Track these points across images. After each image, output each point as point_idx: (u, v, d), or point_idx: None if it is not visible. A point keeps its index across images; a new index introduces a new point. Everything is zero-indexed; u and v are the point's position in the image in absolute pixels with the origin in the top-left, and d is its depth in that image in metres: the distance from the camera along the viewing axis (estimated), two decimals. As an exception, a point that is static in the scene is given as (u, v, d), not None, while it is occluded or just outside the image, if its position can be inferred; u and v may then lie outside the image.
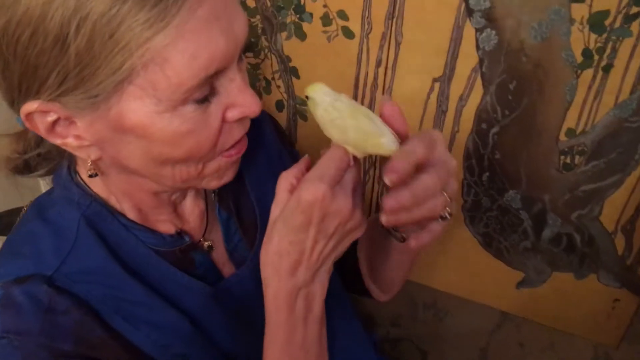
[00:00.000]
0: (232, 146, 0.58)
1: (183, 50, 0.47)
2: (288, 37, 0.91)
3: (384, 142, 0.58)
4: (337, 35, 0.87)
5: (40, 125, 0.52)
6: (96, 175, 0.58)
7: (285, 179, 0.58)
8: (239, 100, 0.54)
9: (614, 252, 0.90)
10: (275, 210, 0.58)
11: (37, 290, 0.56)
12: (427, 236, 0.60)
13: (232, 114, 0.55)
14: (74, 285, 0.57)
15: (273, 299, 0.58)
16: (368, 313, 1.30)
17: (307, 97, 0.58)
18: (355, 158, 0.58)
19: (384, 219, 0.54)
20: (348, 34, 0.86)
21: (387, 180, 0.51)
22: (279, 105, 1.01)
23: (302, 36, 0.90)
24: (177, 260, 0.64)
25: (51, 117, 0.51)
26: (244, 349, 0.67)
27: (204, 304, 0.65)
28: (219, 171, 0.60)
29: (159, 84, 0.48)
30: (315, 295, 0.59)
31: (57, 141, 0.53)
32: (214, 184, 0.61)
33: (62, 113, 0.50)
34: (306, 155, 0.61)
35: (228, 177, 0.62)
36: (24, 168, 0.62)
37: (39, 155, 0.61)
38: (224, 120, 0.55)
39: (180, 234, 0.65)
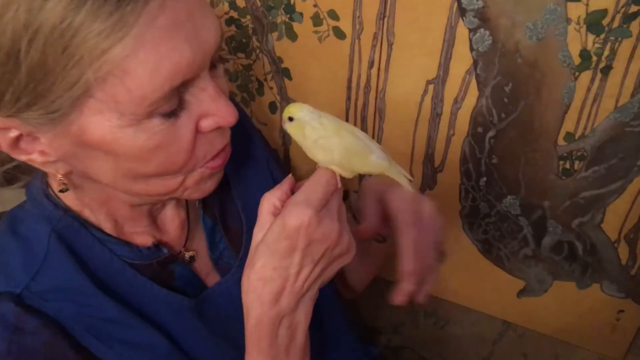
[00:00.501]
0: (216, 156, 0.56)
1: (144, 62, 0.44)
2: (279, 38, 0.89)
3: (373, 159, 0.56)
4: (328, 35, 0.85)
5: (3, 142, 0.50)
6: (67, 190, 0.56)
7: (268, 201, 0.56)
8: (212, 110, 0.52)
9: (617, 261, 0.86)
10: (258, 234, 0.55)
11: (4, 309, 0.54)
12: (429, 285, 0.66)
13: (206, 124, 0.52)
14: (44, 303, 0.55)
15: (255, 327, 0.55)
16: (369, 321, 1.27)
17: (290, 119, 0.56)
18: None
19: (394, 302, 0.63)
20: (339, 34, 0.84)
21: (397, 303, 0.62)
22: (272, 107, 0.99)
23: (293, 36, 0.87)
24: (155, 274, 0.62)
25: (13, 134, 0.49)
26: None
27: (183, 319, 0.63)
28: (202, 181, 0.57)
29: (120, 98, 0.45)
30: (299, 323, 0.57)
31: (22, 157, 0.51)
32: (196, 195, 0.59)
33: (23, 129, 0.48)
34: (289, 176, 0.58)
35: (210, 187, 0.59)
36: (2, 181, 0.60)
37: (12, 169, 0.60)
38: (198, 131, 0.52)
39: (158, 245, 0.63)
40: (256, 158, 0.75)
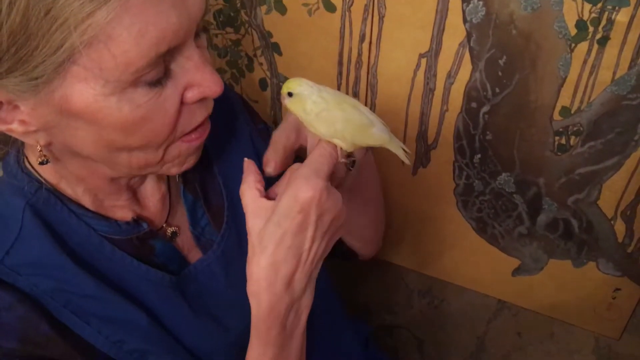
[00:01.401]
0: (194, 129, 0.55)
1: (129, 26, 0.43)
2: (268, 11, 0.86)
3: (375, 132, 0.57)
4: (317, 8, 0.82)
5: None
6: (47, 162, 0.54)
7: (250, 189, 0.55)
8: (198, 80, 0.51)
9: (614, 239, 0.85)
10: (256, 222, 0.54)
11: None
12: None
13: (191, 95, 0.51)
14: (19, 278, 0.54)
15: (266, 317, 0.54)
16: (363, 301, 1.26)
17: (289, 94, 0.55)
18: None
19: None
20: (329, 6, 0.81)
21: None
22: (262, 84, 0.96)
23: (282, 10, 0.85)
24: (135, 249, 0.60)
25: None
26: (210, 341, 0.64)
27: (164, 295, 0.61)
28: (180, 157, 0.56)
29: (105, 64, 0.44)
30: (304, 308, 0.57)
31: (2, 127, 0.49)
32: (174, 170, 0.57)
33: (3, 97, 0.47)
34: (247, 160, 0.58)
35: (190, 163, 0.58)
36: None
37: None
38: (183, 101, 0.51)
39: (138, 220, 0.61)
40: (238, 133, 0.74)
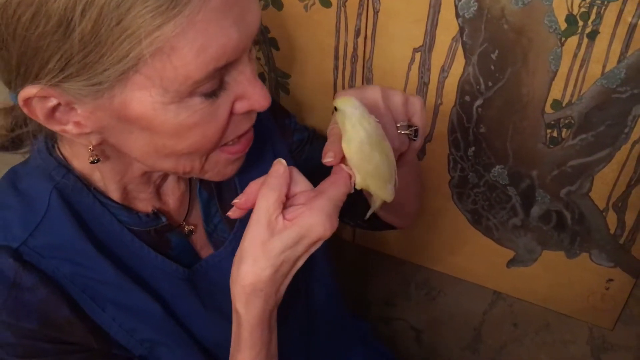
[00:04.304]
0: (237, 139, 0.57)
1: (193, 41, 0.45)
2: (265, 7, 0.88)
3: (389, 188, 0.58)
4: (313, 4, 0.83)
5: (39, 112, 0.49)
6: (98, 160, 0.55)
7: (267, 210, 0.53)
8: (249, 93, 0.52)
9: (606, 230, 0.86)
10: (262, 231, 0.53)
11: (2, 264, 0.54)
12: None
13: (240, 106, 0.53)
14: (42, 260, 0.55)
15: (260, 322, 0.55)
16: (361, 293, 1.28)
17: (335, 108, 0.56)
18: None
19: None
20: (325, 2, 0.82)
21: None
22: (260, 78, 0.97)
23: (279, 5, 0.86)
24: (152, 241, 0.62)
25: (51, 103, 0.48)
26: (218, 334, 0.65)
27: (177, 287, 0.63)
28: (218, 166, 0.58)
29: (166, 74, 0.46)
30: (279, 302, 0.58)
31: (56, 128, 0.51)
32: (217, 177, 0.59)
33: (62, 99, 0.48)
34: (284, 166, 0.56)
35: (231, 172, 0.60)
36: (10, 145, 0.59)
37: (23, 135, 0.59)
38: (231, 112, 0.53)
39: (157, 214, 0.63)
40: (258, 131, 0.75)
